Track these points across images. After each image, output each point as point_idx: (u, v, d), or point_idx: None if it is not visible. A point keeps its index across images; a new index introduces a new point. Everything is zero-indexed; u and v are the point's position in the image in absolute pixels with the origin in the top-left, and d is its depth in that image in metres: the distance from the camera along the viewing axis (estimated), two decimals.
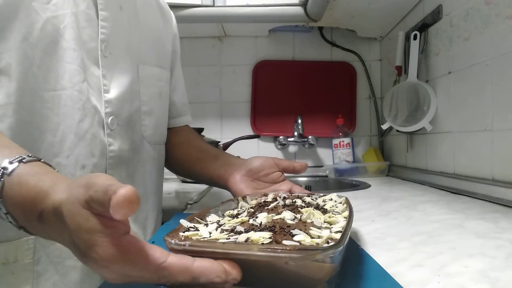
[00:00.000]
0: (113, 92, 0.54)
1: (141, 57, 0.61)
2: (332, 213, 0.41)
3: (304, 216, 0.37)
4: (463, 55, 0.83)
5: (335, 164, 1.34)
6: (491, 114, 0.74)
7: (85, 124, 0.50)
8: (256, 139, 1.43)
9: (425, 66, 1.03)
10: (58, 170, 0.47)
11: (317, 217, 0.38)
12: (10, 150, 0.35)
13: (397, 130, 1.10)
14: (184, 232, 0.34)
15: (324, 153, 1.46)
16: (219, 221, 0.39)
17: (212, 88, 1.48)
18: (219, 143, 1.28)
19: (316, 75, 1.46)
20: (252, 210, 0.43)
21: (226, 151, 1.20)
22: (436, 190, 0.88)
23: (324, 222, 0.37)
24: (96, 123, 0.52)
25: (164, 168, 0.74)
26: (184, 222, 0.36)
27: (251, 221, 0.37)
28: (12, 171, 0.32)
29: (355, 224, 0.55)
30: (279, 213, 0.39)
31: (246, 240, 0.30)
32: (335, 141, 1.34)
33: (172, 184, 1.24)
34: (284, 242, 0.30)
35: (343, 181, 1.23)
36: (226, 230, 0.35)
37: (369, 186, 1.01)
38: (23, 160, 0.33)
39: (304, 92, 1.46)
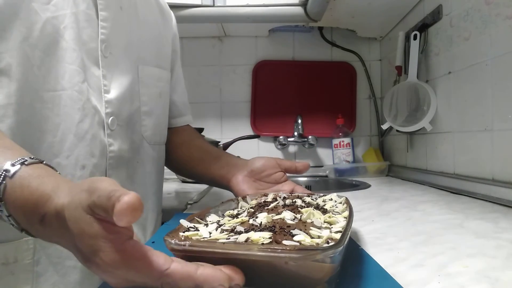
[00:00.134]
0: (113, 92, 0.54)
1: (141, 57, 0.61)
2: (332, 213, 0.41)
3: (304, 216, 0.37)
4: (463, 55, 0.83)
5: (335, 164, 1.34)
6: (491, 114, 0.74)
7: (85, 125, 0.50)
8: (256, 139, 1.43)
9: (425, 66, 1.03)
10: (58, 171, 0.48)
11: (317, 217, 0.38)
12: (12, 152, 0.35)
13: (397, 130, 1.10)
14: (184, 232, 0.34)
15: (324, 153, 1.46)
16: (219, 221, 0.39)
17: (212, 88, 1.48)
18: (219, 143, 1.28)
19: (316, 75, 1.46)
20: (252, 210, 0.43)
21: (226, 151, 1.20)
22: (436, 190, 0.88)
23: (324, 222, 0.37)
24: (96, 124, 0.52)
25: (164, 168, 0.74)
26: (184, 222, 0.36)
27: (251, 221, 0.37)
28: (14, 174, 0.32)
29: (355, 224, 0.55)
30: (279, 213, 0.39)
31: (246, 240, 0.30)
32: (335, 141, 1.34)
33: (172, 184, 1.24)
34: (284, 242, 0.30)
35: (343, 181, 1.23)
36: (226, 230, 0.35)
37: (369, 186, 1.01)
38: (25, 163, 0.33)
39: (304, 92, 1.46)
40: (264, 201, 0.49)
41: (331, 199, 0.51)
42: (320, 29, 1.44)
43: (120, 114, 0.55)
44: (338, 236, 0.31)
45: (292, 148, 1.47)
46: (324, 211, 0.43)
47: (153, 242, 0.48)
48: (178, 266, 0.27)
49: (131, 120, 0.58)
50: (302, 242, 0.30)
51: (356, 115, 1.46)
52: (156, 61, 0.65)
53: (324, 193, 0.54)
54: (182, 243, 0.30)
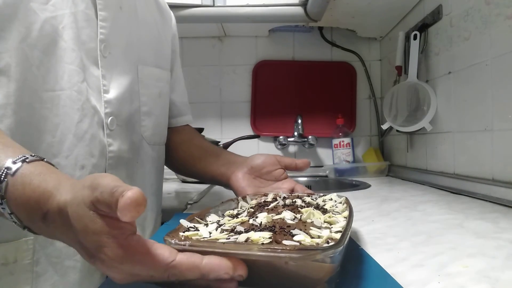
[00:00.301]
0: (113, 92, 0.54)
1: (141, 57, 0.61)
2: (332, 213, 0.41)
3: (304, 216, 0.37)
4: (463, 55, 0.83)
5: (335, 164, 1.34)
6: (491, 114, 0.74)
7: (84, 125, 0.50)
8: (256, 139, 1.43)
9: (425, 66, 1.03)
10: None
11: (317, 217, 0.38)
12: (13, 149, 0.35)
13: (397, 130, 1.10)
14: (184, 232, 0.34)
15: (324, 153, 1.46)
16: (219, 221, 0.39)
17: (212, 88, 1.48)
18: (219, 143, 1.28)
19: (316, 75, 1.46)
20: (252, 210, 0.43)
21: None
22: (436, 190, 0.88)
23: (324, 222, 0.37)
24: (96, 124, 0.52)
25: (164, 168, 0.74)
26: (184, 222, 0.36)
27: (251, 221, 0.37)
28: (15, 171, 0.32)
29: (355, 224, 0.55)
30: (279, 213, 0.39)
31: (246, 240, 0.31)
32: (335, 141, 1.34)
33: (172, 184, 1.24)
34: (284, 242, 0.30)
35: (343, 181, 1.23)
36: (226, 230, 0.35)
37: (369, 186, 1.01)
38: (27, 160, 0.33)
39: (304, 92, 1.46)
40: (264, 201, 0.49)
41: (331, 199, 0.51)
42: (320, 29, 1.44)
43: (119, 114, 0.55)
44: (338, 236, 0.31)
45: (292, 148, 1.47)
46: (324, 211, 0.43)
47: None
48: (183, 257, 0.28)
49: (130, 120, 0.58)
50: (302, 242, 0.30)
51: (356, 115, 1.46)
52: (156, 61, 0.65)
53: (324, 193, 0.54)
54: (182, 243, 0.30)
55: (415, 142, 1.12)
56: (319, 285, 0.29)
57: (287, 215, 0.38)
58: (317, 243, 0.30)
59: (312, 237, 0.32)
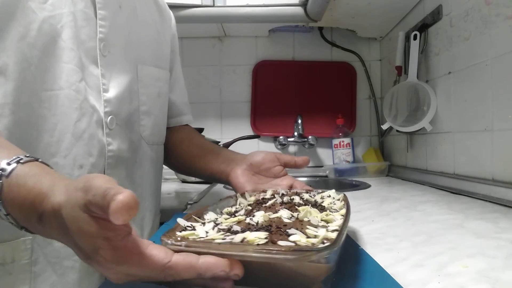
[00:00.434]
0: (112, 91, 0.54)
1: (140, 56, 0.61)
2: (330, 211, 0.41)
3: (301, 215, 0.37)
4: (463, 55, 0.83)
5: (335, 164, 1.34)
6: (491, 114, 0.74)
7: (83, 124, 0.50)
8: (256, 139, 1.43)
9: (425, 66, 1.03)
10: (56, 170, 0.47)
11: (314, 216, 0.38)
12: (7, 150, 0.35)
13: (397, 130, 1.10)
14: (181, 231, 0.34)
15: (324, 153, 1.46)
16: (216, 219, 0.39)
17: (212, 88, 1.48)
18: (219, 143, 1.28)
19: (316, 75, 1.46)
20: (250, 208, 0.43)
21: None
22: (436, 190, 0.88)
23: (321, 220, 0.37)
24: (94, 123, 0.51)
25: (164, 168, 0.74)
26: (181, 221, 0.36)
27: (248, 220, 0.37)
28: (10, 172, 0.32)
29: (355, 224, 0.55)
30: (276, 212, 0.39)
31: (242, 241, 0.31)
32: (335, 141, 1.34)
33: (172, 184, 1.24)
34: (280, 242, 0.30)
35: (343, 181, 1.23)
36: (223, 229, 0.35)
37: (369, 186, 1.00)
38: (21, 161, 0.33)
39: (304, 92, 1.46)
40: (262, 198, 0.48)
41: (329, 196, 0.51)
42: (320, 29, 1.44)
43: (119, 113, 0.55)
44: (334, 235, 0.31)
45: (292, 148, 1.47)
46: (322, 209, 0.42)
47: (154, 242, 0.48)
48: (179, 258, 0.28)
49: (129, 120, 0.58)
50: (298, 243, 0.30)
51: (356, 115, 1.46)
52: (155, 61, 0.65)
53: (322, 190, 0.54)
54: (179, 243, 0.30)
55: (415, 142, 1.12)
56: (314, 285, 0.29)
57: (284, 214, 0.38)
58: (313, 243, 0.30)
59: (308, 237, 0.32)
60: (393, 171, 1.28)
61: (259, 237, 0.31)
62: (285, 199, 0.47)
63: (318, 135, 1.40)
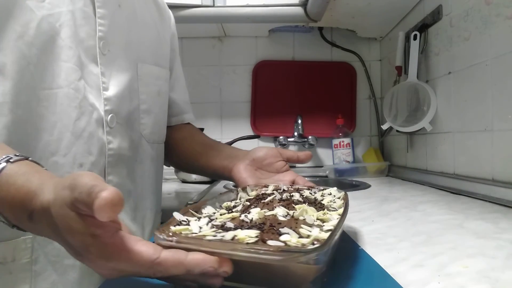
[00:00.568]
0: (112, 89, 0.54)
1: (140, 55, 0.61)
2: (328, 209, 0.41)
3: (296, 213, 0.37)
4: (463, 55, 0.83)
5: (335, 164, 1.34)
6: (491, 114, 0.74)
7: (82, 123, 0.50)
8: (256, 139, 1.43)
9: (425, 66, 1.03)
10: (56, 169, 0.47)
11: (310, 214, 0.38)
12: None
13: (397, 130, 1.10)
14: (175, 225, 0.34)
15: (324, 153, 1.46)
16: (211, 215, 0.39)
17: (212, 88, 1.48)
18: None
19: (316, 75, 1.46)
20: (248, 203, 0.43)
21: None
22: (436, 190, 0.88)
23: (317, 219, 0.37)
24: (94, 121, 0.51)
25: (164, 168, 0.74)
26: (177, 215, 0.37)
27: (242, 216, 0.37)
28: (0, 172, 0.32)
29: (355, 224, 0.55)
30: (273, 209, 0.39)
31: (233, 238, 0.31)
32: (335, 141, 1.34)
33: (172, 184, 1.24)
34: (269, 242, 0.29)
35: (343, 181, 1.23)
36: (216, 225, 0.35)
37: (369, 186, 1.00)
38: (10, 160, 0.33)
39: (304, 92, 1.46)
40: (263, 193, 0.48)
41: (330, 194, 0.50)
42: (320, 29, 1.44)
43: (119, 111, 0.55)
44: (326, 236, 0.31)
45: (292, 148, 1.47)
46: (321, 206, 0.42)
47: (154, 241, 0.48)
48: (168, 254, 0.28)
49: (130, 118, 0.58)
50: (288, 243, 0.30)
51: (356, 115, 1.46)
52: (155, 60, 0.65)
53: (324, 187, 0.54)
54: (170, 239, 0.30)
55: (415, 142, 1.12)
56: (303, 285, 0.29)
57: (280, 212, 0.38)
58: (303, 244, 0.30)
59: (301, 236, 0.32)
60: (393, 171, 1.28)
61: (249, 235, 0.31)
62: (285, 195, 0.47)
63: (318, 135, 1.40)
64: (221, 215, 0.39)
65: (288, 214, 0.38)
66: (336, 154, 1.34)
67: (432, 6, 0.97)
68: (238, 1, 1.19)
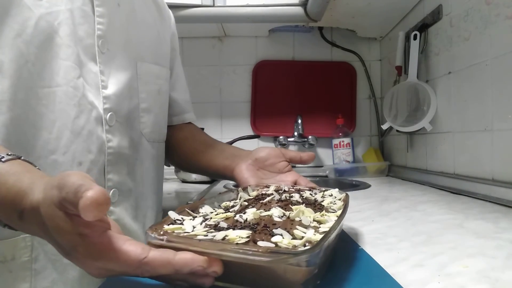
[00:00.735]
0: (111, 88, 0.54)
1: (140, 54, 0.61)
2: (327, 211, 0.41)
3: (292, 214, 0.37)
4: (463, 55, 0.83)
5: (335, 164, 1.34)
6: (491, 114, 0.74)
7: (81, 121, 0.50)
8: (256, 139, 1.43)
9: (425, 66, 1.03)
10: (55, 168, 0.47)
11: (307, 216, 0.37)
12: None
13: (397, 130, 1.10)
14: (169, 224, 0.34)
15: (324, 153, 1.46)
16: (207, 215, 0.39)
17: (212, 88, 1.48)
18: None
19: (316, 75, 1.46)
20: (246, 203, 0.43)
21: None
22: (436, 190, 0.88)
23: (314, 220, 0.37)
24: (93, 119, 0.51)
25: (164, 168, 0.74)
26: (172, 214, 0.36)
27: (237, 217, 0.36)
28: None
29: (355, 224, 0.55)
30: (269, 209, 0.39)
31: (224, 238, 0.30)
32: (335, 141, 1.34)
33: (172, 184, 1.24)
34: (259, 243, 0.29)
35: (343, 181, 1.23)
36: (210, 225, 0.35)
37: (369, 186, 1.00)
38: (2, 159, 0.34)
39: (304, 92, 1.46)
40: (262, 194, 0.48)
41: (331, 195, 0.50)
42: (320, 29, 1.44)
43: (119, 110, 0.55)
44: (318, 238, 0.30)
45: (292, 148, 1.46)
46: (321, 208, 0.42)
47: None
48: (156, 254, 0.28)
49: (129, 117, 0.58)
50: (279, 244, 0.29)
51: (356, 115, 1.46)
52: (155, 58, 0.65)
53: (326, 188, 0.53)
54: (160, 237, 0.30)
55: (415, 142, 1.12)
56: (294, 287, 0.29)
57: (276, 212, 0.37)
58: (294, 246, 0.29)
59: (294, 238, 0.31)
60: (393, 171, 1.28)
61: (240, 236, 0.31)
62: (284, 196, 0.46)
63: (318, 135, 1.40)
64: (216, 215, 0.38)
65: (284, 215, 0.37)
66: (336, 154, 1.34)
67: (432, 6, 0.97)
68: (238, 1, 1.19)
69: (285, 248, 0.29)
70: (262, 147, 0.67)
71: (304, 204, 0.42)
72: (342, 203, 0.45)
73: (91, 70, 0.52)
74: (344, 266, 0.37)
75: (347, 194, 0.48)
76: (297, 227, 0.33)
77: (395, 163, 1.30)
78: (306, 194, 0.50)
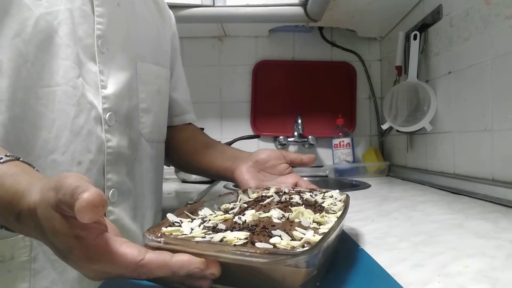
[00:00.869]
0: (111, 88, 0.54)
1: (139, 54, 0.61)
2: (327, 212, 0.41)
3: (292, 216, 0.37)
4: (463, 55, 0.83)
5: (335, 164, 1.34)
6: (491, 114, 0.74)
7: (80, 120, 0.50)
8: (256, 139, 1.43)
9: (425, 66, 1.03)
10: (54, 167, 0.47)
11: (307, 217, 0.37)
12: None
13: (397, 130, 1.10)
14: (167, 227, 0.34)
15: (324, 153, 1.46)
16: (205, 217, 0.39)
17: (212, 88, 1.48)
18: None
19: (316, 75, 1.46)
20: (246, 205, 0.43)
21: None
22: (436, 190, 0.88)
23: (314, 222, 0.37)
24: (93, 119, 0.51)
25: (164, 168, 0.74)
26: (170, 216, 0.36)
27: (235, 218, 0.36)
28: None
29: (355, 224, 0.55)
30: (268, 211, 0.38)
31: (221, 240, 0.30)
32: (335, 141, 1.34)
33: (172, 184, 1.24)
34: (257, 244, 0.29)
35: (343, 181, 1.23)
36: (208, 227, 0.34)
37: (369, 186, 1.00)
38: (0, 161, 0.34)
39: (304, 92, 1.46)
40: (262, 196, 0.48)
41: (332, 196, 0.50)
42: (320, 29, 1.44)
43: (118, 110, 0.55)
44: (317, 239, 0.30)
45: (292, 148, 1.47)
46: (321, 209, 0.42)
47: None
48: (153, 256, 0.28)
49: (129, 117, 0.58)
50: (277, 245, 0.29)
51: (356, 115, 1.46)
52: (155, 59, 0.65)
53: (326, 189, 0.53)
54: (158, 239, 0.30)
55: (415, 142, 1.12)
56: None
57: (275, 214, 0.37)
58: (293, 247, 0.29)
59: (293, 239, 0.31)
60: (393, 171, 1.28)
61: (238, 237, 0.30)
62: (283, 198, 0.46)
63: (318, 135, 1.40)
64: (215, 217, 0.38)
65: (283, 216, 0.37)
66: (336, 154, 1.34)
67: (432, 6, 0.97)
68: (238, 1, 1.19)
69: (283, 249, 0.29)
70: (263, 149, 0.67)
71: (304, 206, 0.42)
72: (342, 204, 0.45)
73: (91, 70, 0.52)
74: (344, 267, 0.37)
75: (347, 195, 0.48)
76: (296, 228, 0.33)
77: (395, 163, 1.30)
78: (306, 195, 0.49)
